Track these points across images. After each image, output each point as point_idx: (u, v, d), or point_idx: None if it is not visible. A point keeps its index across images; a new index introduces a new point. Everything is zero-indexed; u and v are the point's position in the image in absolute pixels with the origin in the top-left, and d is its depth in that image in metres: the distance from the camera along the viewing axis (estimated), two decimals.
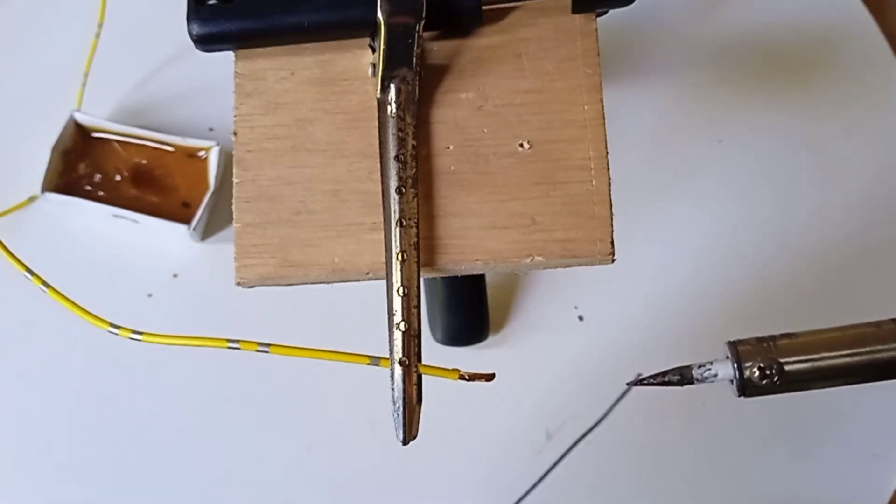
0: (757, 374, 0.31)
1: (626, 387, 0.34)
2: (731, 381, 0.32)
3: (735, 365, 0.32)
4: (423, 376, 0.29)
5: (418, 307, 0.29)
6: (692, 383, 0.33)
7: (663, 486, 0.53)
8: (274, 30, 0.31)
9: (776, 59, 0.63)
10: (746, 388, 0.32)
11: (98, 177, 0.56)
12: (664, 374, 0.33)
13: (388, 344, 0.29)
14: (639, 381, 0.33)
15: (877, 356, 0.32)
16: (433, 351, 0.53)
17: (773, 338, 0.32)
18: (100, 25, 0.57)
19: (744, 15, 0.64)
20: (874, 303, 0.57)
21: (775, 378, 0.31)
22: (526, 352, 0.55)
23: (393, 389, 0.28)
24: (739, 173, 0.60)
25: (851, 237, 0.59)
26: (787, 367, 0.32)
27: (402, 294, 0.29)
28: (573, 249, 0.31)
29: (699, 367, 0.33)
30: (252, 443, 0.53)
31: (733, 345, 0.32)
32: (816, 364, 0.32)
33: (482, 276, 0.52)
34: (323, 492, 0.52)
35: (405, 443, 0.29)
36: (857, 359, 0.32)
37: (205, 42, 0.31)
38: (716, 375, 0.32)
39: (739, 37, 0.63)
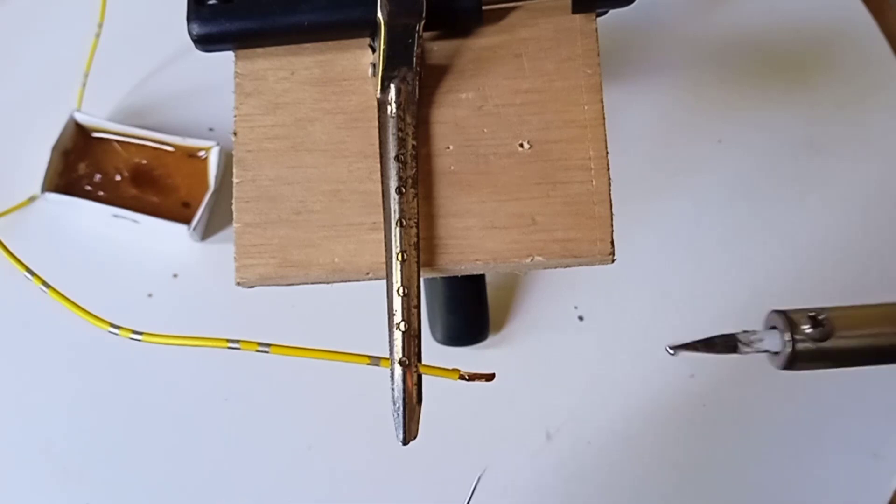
0: (808, 344, 0.30)
1: (669, 352, 0.33)
2: (777, 353, 0.31)
3: (787, 334, 0.30)
4: (423, 376, 0.29)
5: (418, 307, 0.29)
6: (737, 351, 0.31)
7: (663, 486, 0.53)
8: (274, 30, 0.31)
9: (776, 59, 0.63)
10: (797, 358, 0.30)
11: (98, 177, 0.56)
12: (710, 340, 0.32)
13: (388, 344, 0.29)
14: (683, 346, 0.32)
15: None
16: (433, 351, 0.53)
17: (822, 309, 0.31)
18: (100, 25, 0.57)
19: (744, 15, 0.64)
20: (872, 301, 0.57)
21: (827, 347, 0.30)
22: (526, 352, 0.55)
23: (393, 389, 0.28)
24: (739, 173, 0.60)
25: (851, 237, 0.59)
26: (838, 341, 0.30)
27: (402, 294, 0.29)
28: (573, 249, 0.31)
29: (745, 333, 0.31)
30: (252, 442, 0.53)
31: (783, 313, 0.31)
32: (868, 339, 0.31)
33: (482, 276, 0.52)
34: (323, 492, 0.52)
35: (405, 443, 0.29)
36: None
37: (205, 42, 0.31)
38: (763, 342, 0.31)
39: (739, 37, 0.63)
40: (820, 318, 0.31)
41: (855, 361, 0.31)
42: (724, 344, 0.32)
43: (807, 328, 0.30)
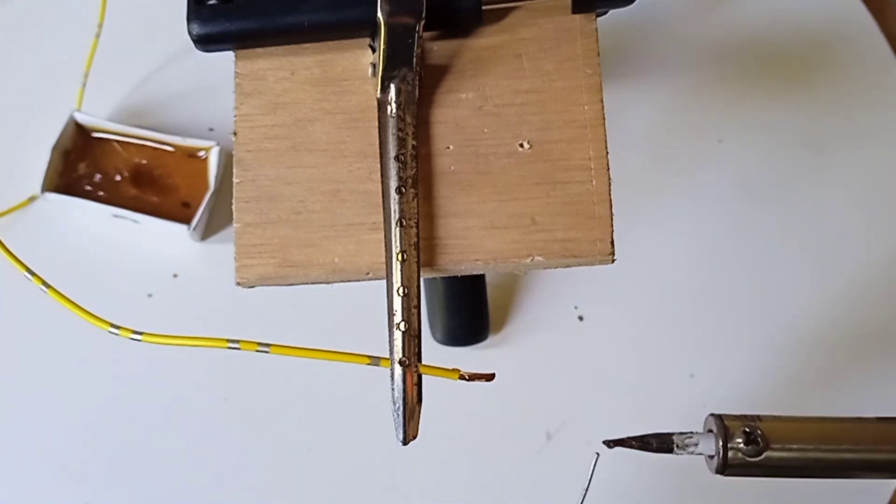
0: (740, 455, 0.31)
1: (608, 446, 0.33)
2: (711, 457, 0.32)
3: (720, 442, 0.31)
4: (423, 376, 0.29)
5: (418, 307, 0.29)
6: (672, 452, 0.32)
7: (663, 487, 0.53)
8: (274, 30, 0.31)
9: (776, 59, 0.63)
10: (727, 467, 0.31)
11: (98, 177, 0.56)
12: (645, 438, 0.32)
13: (388, 344, 0.29)
14: (618, 441, 0.33)
15: (861, 456, 0.31)
16: (433, 351, 0.53)
17: (757, 423, 0.32)
18: (100, 25, 0.57)
19: (744, 15, 0.64)
20: (872, 301, 0.57)
21: (759, 460, 0.31)
22: (526, 352, 0.55)
23: (393, 389, 0.29)
24: (740, 172, 0.60)
25: (851, 236, 0.59)
26: (772, 453, 0.31)
27: (402, 294, 0.29)
28: (573, 249, 0.31)
29: (681, 435, 0.32)
30: (252, 443, 0.53)
31: (720, 419, 0.32)
32: (802, 454, 0.31)
33: (482, 276, 0.52)
34: (323, 492, 0.52)
35: (405, 443, 0.29)
36: (843, 456, 0.31)
37: (205, 42, 0.31)
38: (698, 446, 0.32)
39: (739, 37, 0.63)
40: (753, 433, 0.31)
41: (787, 475, 0.32)
42: (660, 444, 0.32)
43: (739, 441, 0.31)
